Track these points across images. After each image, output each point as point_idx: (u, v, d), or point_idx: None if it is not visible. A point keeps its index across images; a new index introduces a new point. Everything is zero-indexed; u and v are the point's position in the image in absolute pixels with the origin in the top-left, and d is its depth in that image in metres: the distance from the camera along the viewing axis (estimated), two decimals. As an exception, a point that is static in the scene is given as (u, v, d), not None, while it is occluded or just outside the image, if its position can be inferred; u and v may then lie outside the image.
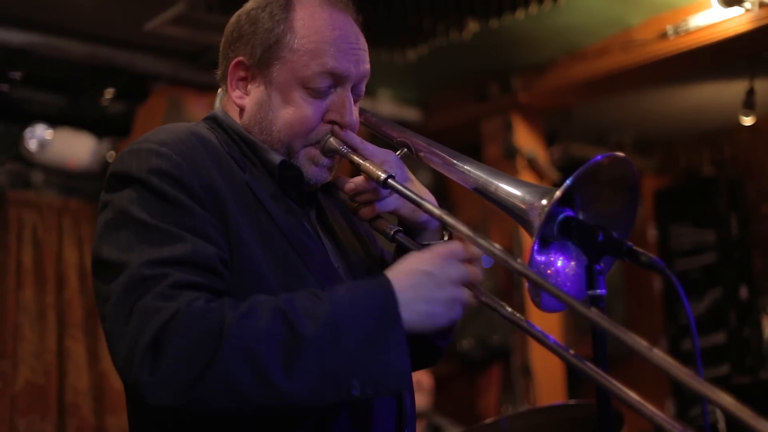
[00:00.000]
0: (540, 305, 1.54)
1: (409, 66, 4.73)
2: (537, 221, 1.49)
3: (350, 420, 1.52)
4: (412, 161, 1.76)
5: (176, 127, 1.59)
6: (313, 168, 1.66)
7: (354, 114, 1.67)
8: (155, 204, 1.45)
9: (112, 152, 4.85)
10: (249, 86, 1.67)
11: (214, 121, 1.70)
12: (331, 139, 1.64)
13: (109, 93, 4.73)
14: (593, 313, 1.28)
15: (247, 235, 1.51)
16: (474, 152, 5.36)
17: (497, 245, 1.41)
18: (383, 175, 1.59)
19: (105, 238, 1.47)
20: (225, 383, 1.32)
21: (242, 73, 1.68)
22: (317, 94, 1.63)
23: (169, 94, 4.69)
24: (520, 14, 4.11)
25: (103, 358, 4.67)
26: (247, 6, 1.71)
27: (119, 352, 1.38)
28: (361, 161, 1.63)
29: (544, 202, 1.50)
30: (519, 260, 1.41)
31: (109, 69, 4.57)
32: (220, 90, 1.77)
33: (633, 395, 1.29)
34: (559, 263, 1.58)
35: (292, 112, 1.63)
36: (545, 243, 1.57)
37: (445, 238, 1.68)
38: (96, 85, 4.70)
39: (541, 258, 1.56)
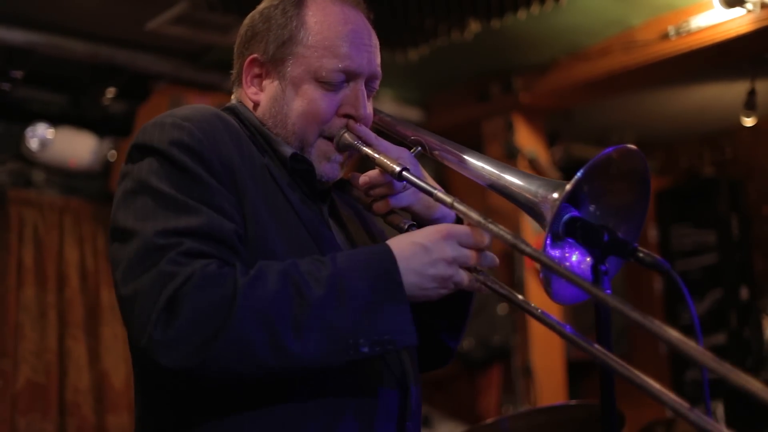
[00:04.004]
0: (552, 295, 1.54)
1: (411, 66, 4.73)
2: (549, 214, 1.49)
3: (354, 412, 1.53)
4: (419, 159, 1.77)
5: (200, 107, 1.62)
6: (325, 164, 1.68)
7: (368, 108, 1.69)
8: (174, 175, 1.48)
9: (113, 152, 4.85)
10: (264, 82, 1.70)
11: (232, 111, 1.71)
12: (346, 134, 1.66)
13: (110, 92, 4.73)
14: (611, 299, 1.26)
15: (264, 213, 1.53)
16: (475, 152, 5.36)
17: (509, 231, 1.41)
18: (398, 168, 1.59)
19: (122, 206, 1.49)
20: (238, 344, 1.35)
21: (257, 70, 1.70)
22: (331, 88, 1.65)
23: (171, 93, 4.69)
24: (521, 14, 4.11)
25: (104, 358, 4.67)
26: (261, 5, 1.74)
27: (133, 316, 1.40)
28: (376, 155, 1.64)
29: (555, 195, 1.51)
30: (531, 246, 1.39)
31: (111, 68, 4.57)
32: (233, 95, 1.78)
33: (647, 378, 1.28)
34: (574, 258, 1.58)
35: (306, 105, 1.65)
36: (559, 238, 1.57)
37: None
38: (97, 84, 4.70)
39: (555, 252, 1.56)
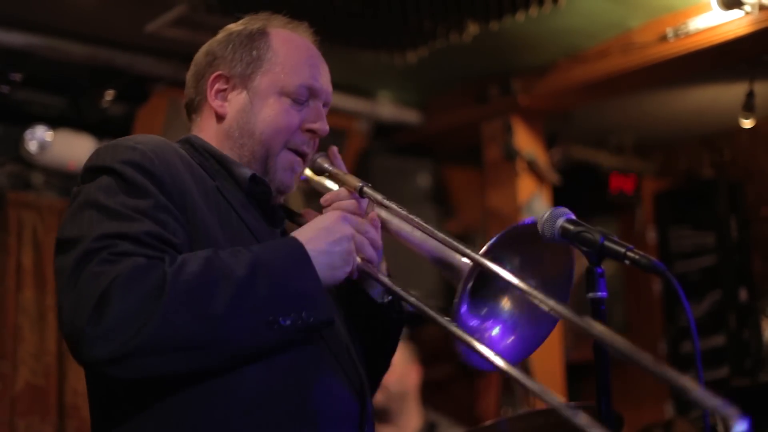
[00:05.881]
0: (467, 358, 1.60)
1: (409, 68, 4.73)
2: (461, 284, 1.59)
3: (320, 417, 1.61)
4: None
5: (152, 135, 1.72)
6: (287, 173, 1.81)
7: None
8: (122, 190, 1.55)
9: (113, 154, 4.85)
10: (229, 95, 1.81)
11: (186, 142, 1.81)
12: (320, 159, 1.85)
13: (109, 95, 4.73)
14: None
15: (217, 233, 1.62)
16: (474, 154, 5.37)
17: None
18: (359, 184, 1.77)
19: (68, 220, 1.57)
20: (168, 327, 1.41)
21: (223, 85, 1.81)
22: (296, 104, 1.79)
23: (170, 95, 4.70)
24: (520, 16, 4.11)
25: (103, 360, 4.67)
26: (217, 37, 1.87)
27: (67, 316, 1.46)
28: (342, 174, 1.82)
29: (465, 259, 1.61)
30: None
31: (110, 71, 4.57)
32: (190, 125, 1.89)
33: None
34: (495, 332, 1.65)
35: (274, 115, 1.78)
36: (481, 305, 1.65)
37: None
38: (96, 86, 4.70)
39: (474, 322, 1.64)
